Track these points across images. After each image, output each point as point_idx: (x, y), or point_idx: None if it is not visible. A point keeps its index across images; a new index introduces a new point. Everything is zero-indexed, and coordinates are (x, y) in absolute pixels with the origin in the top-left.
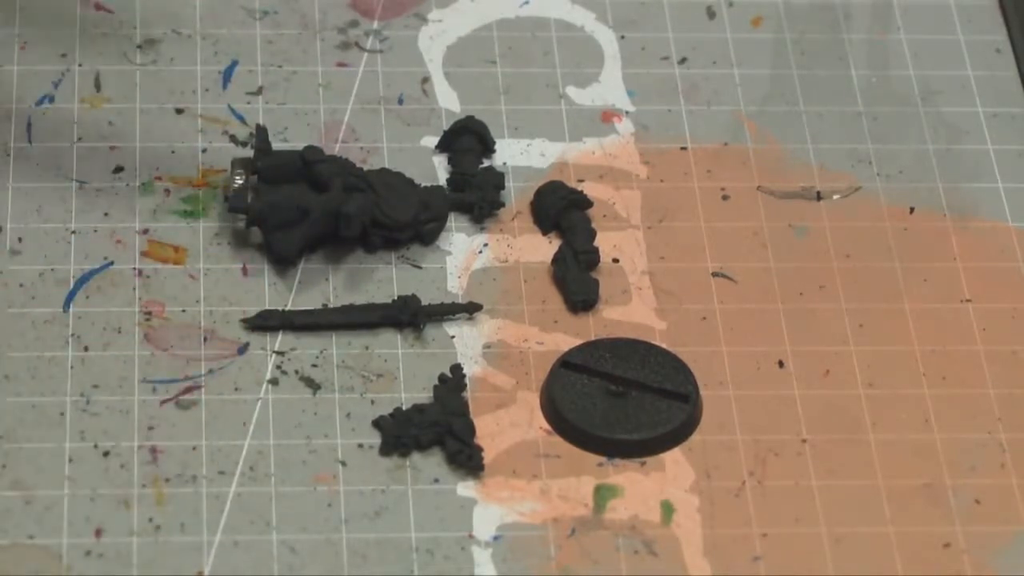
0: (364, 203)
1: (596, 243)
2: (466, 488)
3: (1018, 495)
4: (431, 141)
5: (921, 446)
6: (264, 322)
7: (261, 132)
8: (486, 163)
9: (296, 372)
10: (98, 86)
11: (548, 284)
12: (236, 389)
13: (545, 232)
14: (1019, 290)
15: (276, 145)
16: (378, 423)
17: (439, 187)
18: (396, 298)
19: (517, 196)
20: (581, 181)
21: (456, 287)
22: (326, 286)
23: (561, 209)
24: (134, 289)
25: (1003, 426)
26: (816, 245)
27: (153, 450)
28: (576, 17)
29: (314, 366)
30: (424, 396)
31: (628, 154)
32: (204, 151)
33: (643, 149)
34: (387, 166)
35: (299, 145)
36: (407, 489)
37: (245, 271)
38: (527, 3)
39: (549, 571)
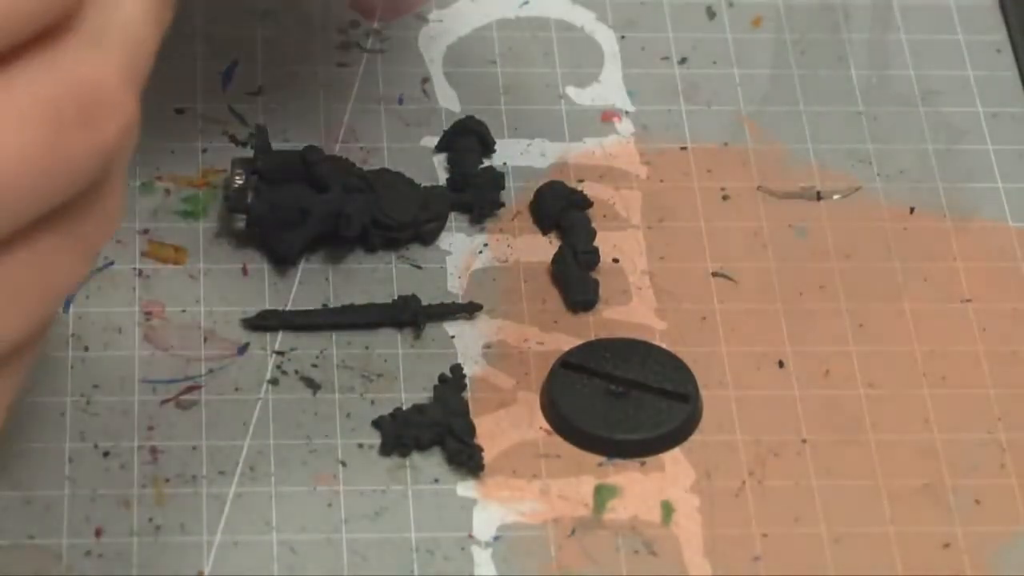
0: (364, 203)
1: (596, 243)
2: (466, 488)
3: (1018, 495)
4: (431, 141)
5: (921, 446)
6: (264, 322)
7: (261, 132)
8: (486, 163)
9: (296, 372)
10: None
11: (548, 284)
12: (236, 389)
13: (545, 232)
14: (1019, 290)
15: (276, 145)
16: (378, 423)
17: (439, 187)
18: (396, 298)
19: (517, 196)
20: (581, 181)
21: (456, 287)
22: (326, 286)
23: (561, 209)
24: (134, 289)
25: (1003, 426)
26: (816, 245)
27: (153, 450)
28: (576, 17)
29: (314, 366)
30: (424, 396)
31: (628, 154)
32: (204, 151)
33: (643, 149)
34: (387, 166)
35: (299, 145)
36: (407, 489)
37: (245, 271)
38: (527, 3)
39: (549, 571)
